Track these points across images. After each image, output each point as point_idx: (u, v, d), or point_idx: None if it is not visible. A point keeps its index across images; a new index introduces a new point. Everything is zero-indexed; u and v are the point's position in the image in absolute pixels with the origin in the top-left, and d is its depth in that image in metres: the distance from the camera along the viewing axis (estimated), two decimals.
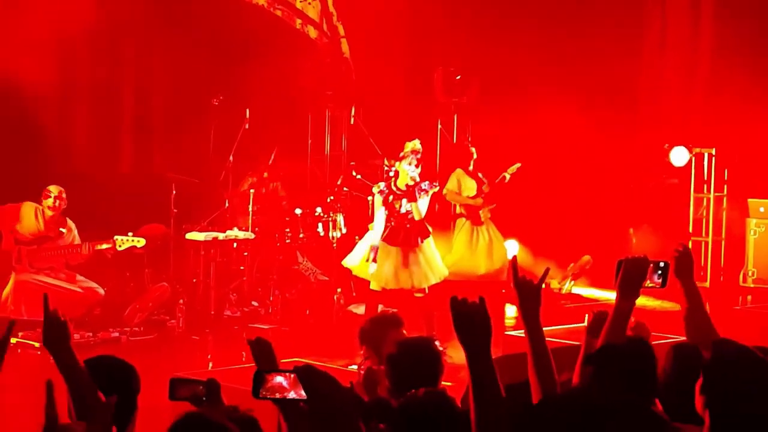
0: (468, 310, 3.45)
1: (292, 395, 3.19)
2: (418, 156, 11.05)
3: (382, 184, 11.27)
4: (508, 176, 14.65)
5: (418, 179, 11.00)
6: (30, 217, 12.23)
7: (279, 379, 3.22)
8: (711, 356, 3.78)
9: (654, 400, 4.05)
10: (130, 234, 12.14)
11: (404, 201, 11.05)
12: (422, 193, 11.04)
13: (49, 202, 12.19)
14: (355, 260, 11.31)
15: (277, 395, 3.22)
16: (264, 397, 3.27)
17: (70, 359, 3.94)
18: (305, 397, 3.09)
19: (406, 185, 11.02)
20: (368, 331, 6.21)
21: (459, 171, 14.71)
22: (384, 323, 6.23)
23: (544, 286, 4.15)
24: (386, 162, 12.61)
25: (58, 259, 12.28)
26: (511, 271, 4.22)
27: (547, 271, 4.39)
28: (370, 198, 14.41)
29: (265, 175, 14.44)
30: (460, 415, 3.53)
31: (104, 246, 12.14)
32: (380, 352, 5.99)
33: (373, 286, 11.23)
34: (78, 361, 3.97)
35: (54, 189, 12.26)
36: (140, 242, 12.20)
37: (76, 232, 12.49)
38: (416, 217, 11.05)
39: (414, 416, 3.54)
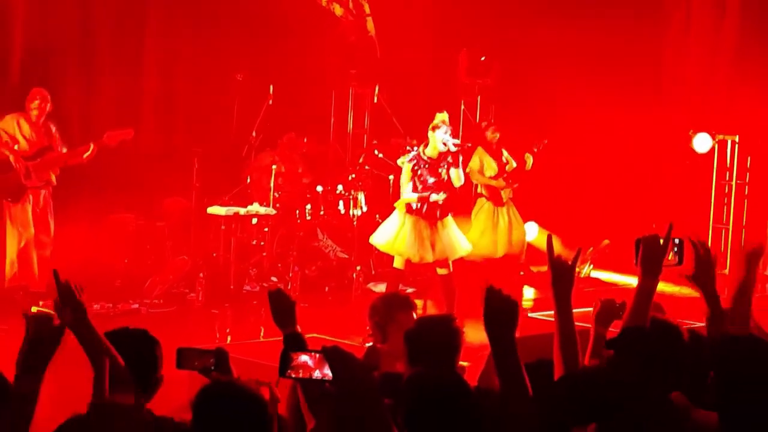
0: (501, 306, 3.56)
1: (317, 375, 3.20)
2: (450, 128, 11.04)
3: (410, 155, 11.15)
4: (531, 159, 14.45)
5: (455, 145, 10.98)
6: (14, 129, 11.92)
7: (304, 358, 3.24)
8: (719, 345, 3.80)
9: (677, 383, 4.02)
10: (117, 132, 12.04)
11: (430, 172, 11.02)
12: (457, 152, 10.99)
13: (35, 105, 11.90)
14: (382, 238, 11.28)
15: (302, 374, 3.24)
16: (289, 377, 3.28)
17: (88, 330, 3.97)
18: (330, 378, 3.10)
19: (448, 151, 10.94)
20: (378, 309, 6.11)
21: (480, 150, 14.60)
22: (395, 304, 6.14)
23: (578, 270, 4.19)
24: (411, 142, 12.62)
25: (57, 166, 12.07)
26: (547, 250, 4.25)
27: (579, 251, 4.39)
28: (391, 177, 14.44)
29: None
30: (469, 393, 3.54)
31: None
32: (385, 332, 5.95)
33: (397, 264, 11.21)
34: (96, 332, 4.00)
35: (38, 93, 11.99)
36: (129, 134, 12.09)
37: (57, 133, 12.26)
38: (456, 184, 11.02)
39: (421, 392, 3.56)
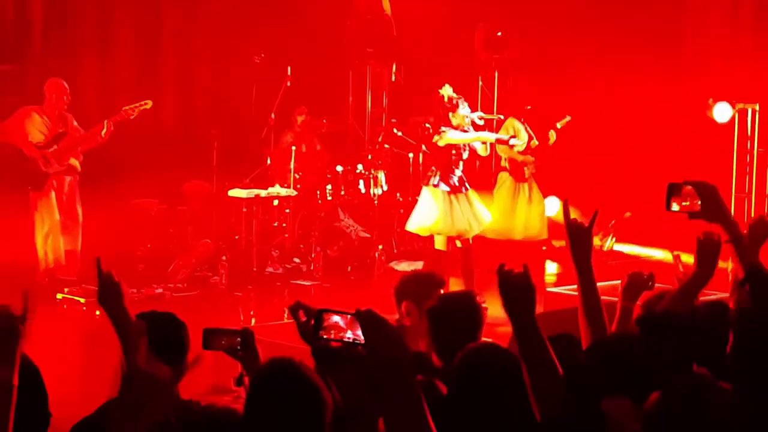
0: (514, 281, 3.46)
1: (348, 335, 3.16)
2: (462, 98, 11.17)
3: (444, 128, 11.24)
4: (554, 135, 14.23)
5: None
6: (25, 123, 11.92)
7: (336, 318, 3.20)
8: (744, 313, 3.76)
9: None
10: (135, 104, 12.06)
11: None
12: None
13: (52, 99, 11.91)
14: (426, 221, 11.36)
15: (333, 335, 3.20)
16: (321, 338, 3.24)
17: (125, 319, 3.99)
18: (362, 340, 3.05)
19: (473, 122, 11.16)
20: (413, 287, 5.98)
21: (512, 120, 14.26)
22: (431, 283, 6.06)
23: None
24: (430, 120, 12.62)
25: (75, 149, 12.07)
26: (563, 215, 4.22)
27: (596, 213, 4.31)
28: (411, 155, 14.44)
29: (303, 115, 14.46)
30: (519, 366, 3.54)
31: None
32: (421, 311, 5.93)
33: (439, 245, 11.26)
34: (132, 321, 4.02)
35: (56, 86, 11.97)
36: (148, 104, 12.13)
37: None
38: (483, 154, 11.30)
39: (477, 367, 3.56)
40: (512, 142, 11.69)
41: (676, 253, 5.16)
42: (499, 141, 11.65)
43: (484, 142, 11.33)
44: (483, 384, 3.53)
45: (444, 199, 11.16)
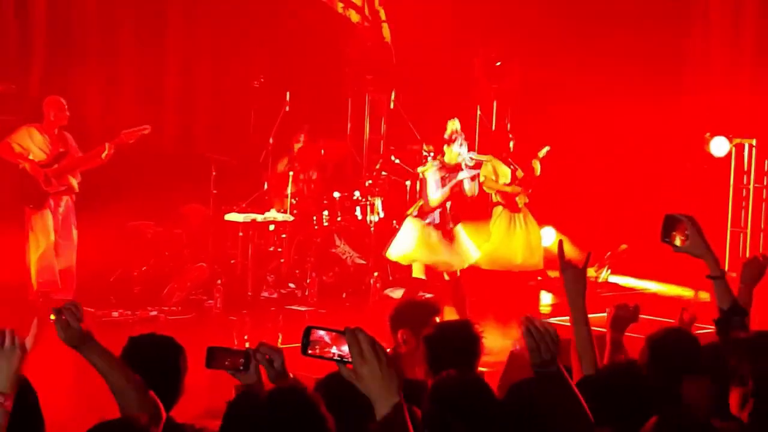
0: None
1: (334, 351, 3.13)
2: (463, 136, 11.16)
3: (436, 163, 11.24)
4: (538, 165, 14.38)
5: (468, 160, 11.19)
6: (27, 140, 11.93)
7: (321, 333, 3.16)
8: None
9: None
10: (133, 129, 12.06)
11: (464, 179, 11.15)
12: (473, 169, 11.21)
13: (51, 116, 11.93)
14: (401, 250, 11.38)
15: (318, 350, 3.17)
16: (308, 355, 3.21)
17: (96, 355, 3.94)
18: (348, 356, 3.02)
19: (462, 164, 11.14)
20: (409, 315, 5.93)
21: (492, 158, 14.44)
22: (427, 310, 6.04)
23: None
24: (425, 147, 12.63)
25: (75, 170, 12.08)
26: (558, 255, 4.25)
27: (589, 255, 4.37)
28: (408, 182, 14.45)
29: (300, 141, 14.44)
30: (492, 398, 3.54)
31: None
32: (418, 338, 5.91)
33: (417, 273, 11.26)
34: (105, 351, 3.96)
35: (55, 103, 11.99)
36: (146, 129, 12.12)
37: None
38: (469, 194, 11.21)
39: (447, 397, 3.55)
40: (478, 158, 11.62)
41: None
42: (473, 177, 11.53)
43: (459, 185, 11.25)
44: (452, 412, 3.53)
45: (423, 229, 11.21)
